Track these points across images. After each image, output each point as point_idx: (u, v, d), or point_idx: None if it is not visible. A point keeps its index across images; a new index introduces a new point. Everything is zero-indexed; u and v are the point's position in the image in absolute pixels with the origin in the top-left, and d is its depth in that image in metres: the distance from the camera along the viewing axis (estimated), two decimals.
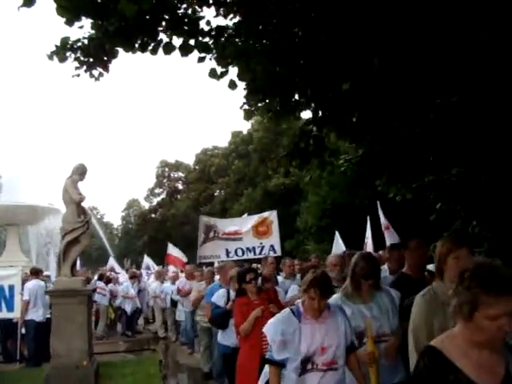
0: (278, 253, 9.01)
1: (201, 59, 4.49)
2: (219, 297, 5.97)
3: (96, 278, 14.39)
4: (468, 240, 3.24)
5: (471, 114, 5.18)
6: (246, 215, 13.12)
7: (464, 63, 4.31)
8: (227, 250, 9.04)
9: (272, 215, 9.41)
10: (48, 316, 9.59)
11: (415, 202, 9.07)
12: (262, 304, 4.99)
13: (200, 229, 9.24)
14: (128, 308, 13.54)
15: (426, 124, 5.58)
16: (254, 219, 9.54)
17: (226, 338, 5.76)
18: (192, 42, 4.26)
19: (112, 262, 19.67)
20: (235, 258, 9.02)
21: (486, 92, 4.68)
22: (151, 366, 8.90)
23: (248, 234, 9.16)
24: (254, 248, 9.05)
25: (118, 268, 18.87)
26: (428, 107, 5.21)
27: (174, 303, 12.10)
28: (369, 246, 12.48)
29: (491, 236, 7.06)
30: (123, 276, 16.22)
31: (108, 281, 14.23)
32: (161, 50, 4.22)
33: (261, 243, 9.05)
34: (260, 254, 8.95)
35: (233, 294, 5.71)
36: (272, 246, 9.05)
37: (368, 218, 12.35)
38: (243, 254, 9.07)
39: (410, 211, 13.20)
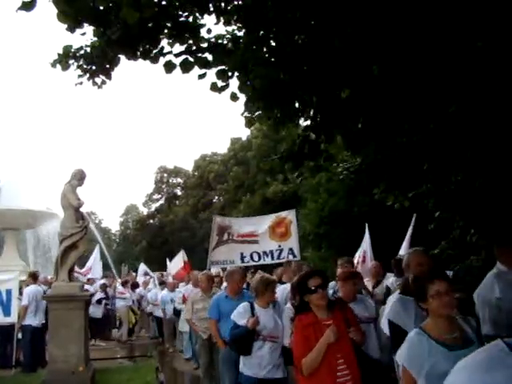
0: (298, 257, 8.12)
1: (201, 76, 4.51)
2: (241, 313, 4.71)
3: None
4: None
5: (469, 124, 5.21)
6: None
7: (461, 72, 4.34)
8: (242, 255, 8.14)
9: (290, 215, 8.46)
10: (43, 321, 9.57)
11: (414, 211, 9.10)
12: (337, 325, 3.43)
13: (213, 231, 8.31)
14: (158, 314, 13.54)
15: (424, 133, 5.62)
16: (271, 219, 8.53)
17: (249, 366, 4.53)
18: (191, 58, 4.30)
19: (143, 266, 19.95)
20: (251, 263, 8.27)
21: (483, 101, 4.72)
22: (148, 373, 8.87)
23: (264, 235, 8.25)
24: (271, 252, 8.13)
25: (150, 273, 18.92)
26: (426, 116, 5.24)
27: (176, 312, 11.07)
28: (367, 255, 12.45)
29: (488, 244, 7.09)
30: (152, 282, 16.20)
31: (135, 286, 14.36)
32: (161, 60, 4.26)
33: (279, 246, 8.14)
34: (278, 258, 8.09)
35: (258, 308, 4.67)
36: (291, 250, 8.11)
37: (366, 225, 12.35)
38: (259, 258, 8.19)
39: (409, 220, 13.23)
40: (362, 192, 13.71)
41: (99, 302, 13.13)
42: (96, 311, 12.99)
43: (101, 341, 13.02)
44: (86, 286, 13.92)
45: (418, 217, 9.73)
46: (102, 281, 14.47)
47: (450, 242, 8.80)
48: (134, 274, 19.94)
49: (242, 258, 8.10)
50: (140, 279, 17.48)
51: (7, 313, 9.67)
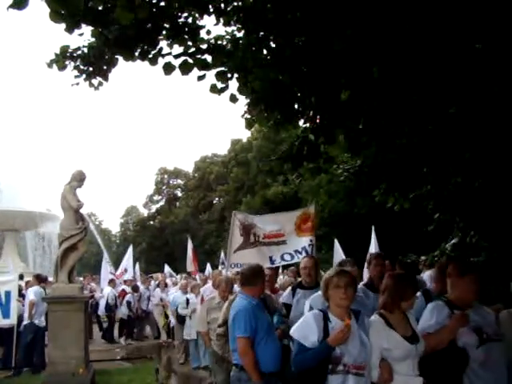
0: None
1: (200, 77, 4.50)
2: (310, 326, 3.07)
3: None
4: None
5: (468, 125, 5.20)
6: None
7: (460, 74, 4.34)
8: (271, 258, 7.47)
9: (311, 208, 7.96)
10: (44, 323, 9.54)
11: (413, 212, 9.09)
12: None
13: (233, 229, 7.47)
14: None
15: (423, 135, 5.61)
16: (296, 216, 7.83)
17: None
18: (191, 60, 4.29)
19: (167, 268, 20.56)
20: (282, 263, 7.76)
21: (482, 103, 4.71)
22: (148, 375, 8.84)
23: (292, 234, 7.64)
24: (304, 248, 7.52)
25: (174, 274, 19.32)
26: (426, 118, 5.23)
27: (180, 319, 10.16)
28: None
29: (488, 246, 7.09)
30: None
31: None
32: (160, 61, 4.25)
33: (311, 241, 7.53)
34: (312, 252, 7.42)
35: (334, 319, 3.06)
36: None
37: (373, 227, 12.33)
38: (292, 258, 7.56)
39: (408, 221, 13.24)
40: (362, 194, 13.73)
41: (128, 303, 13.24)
42: (124, 312, 13.31)
43: (133, 340, 13.19)
44: (123, 286, 14.10)
45: (417, 218, 9.73)
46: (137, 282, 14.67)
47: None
48: (160, 274, 19.66)
49: (272, 261, 7.50)
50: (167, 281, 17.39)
51: (6, 315, 9.62)
